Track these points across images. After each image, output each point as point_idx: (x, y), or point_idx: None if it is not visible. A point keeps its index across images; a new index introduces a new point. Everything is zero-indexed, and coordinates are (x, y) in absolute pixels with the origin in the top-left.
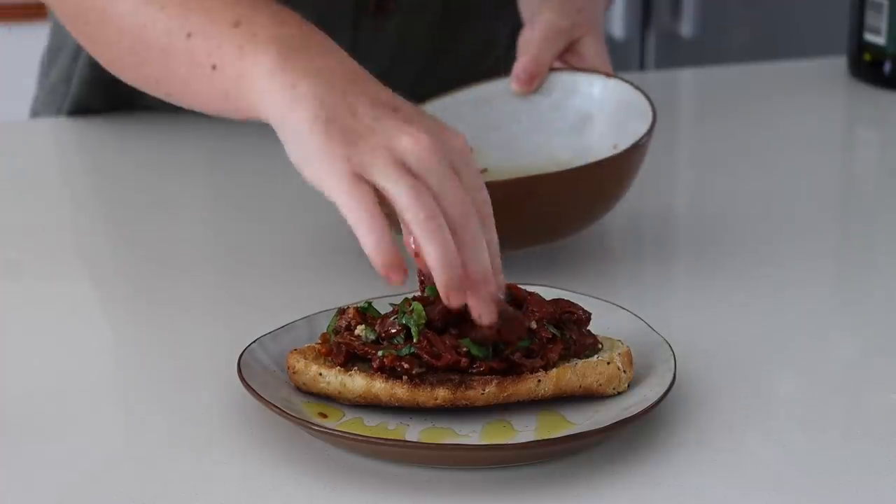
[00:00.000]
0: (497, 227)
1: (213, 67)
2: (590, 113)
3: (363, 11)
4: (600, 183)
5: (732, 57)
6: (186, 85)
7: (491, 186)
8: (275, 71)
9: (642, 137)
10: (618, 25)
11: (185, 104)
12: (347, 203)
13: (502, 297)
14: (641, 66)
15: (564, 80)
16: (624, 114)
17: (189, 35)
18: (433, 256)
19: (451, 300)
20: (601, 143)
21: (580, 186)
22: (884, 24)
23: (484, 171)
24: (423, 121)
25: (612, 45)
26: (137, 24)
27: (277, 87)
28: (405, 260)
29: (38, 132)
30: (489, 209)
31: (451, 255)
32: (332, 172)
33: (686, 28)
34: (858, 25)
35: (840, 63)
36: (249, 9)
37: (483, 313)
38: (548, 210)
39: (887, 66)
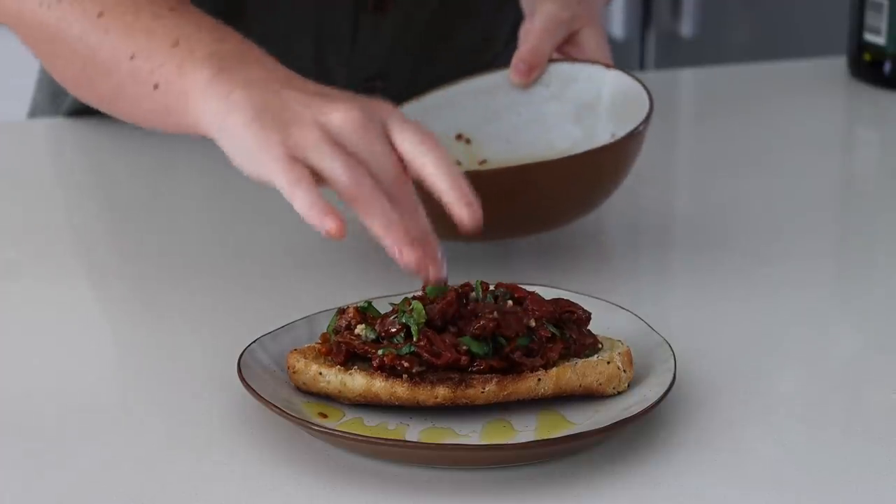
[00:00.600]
0: (494, 216)
1: (155, 87)
2: (589, 103)
3: (362, 9)
4: (597, 171)
5: (732, 57)
6: (134, 104)
7: (488, 175)
8: (211, 83)
9: (639, 125)
10: (618, 25)
11: (136, 122)
12: (284, 182)
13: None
14: (641, 66)
15: (564, 70)
16: (622, 104)
17: (132, 56)
18: (375, 226)
19: (403, 256)
20: (600, 133)
21: (577, 174)
22: (884, 24)
23: (483, 161)
24: (352, 99)
25: (612, 45)
26: (86, 46)
27: (213, 98)
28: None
29: (37, 132)
30: (435, 151)
31: (391, 218)
32: (269, 159)
33: (686, 28)
34: (858, 25)
35: (840, 63)
36: (190, 28)
37: (430, 270)
38: (545, 198)
39: (887, 66)
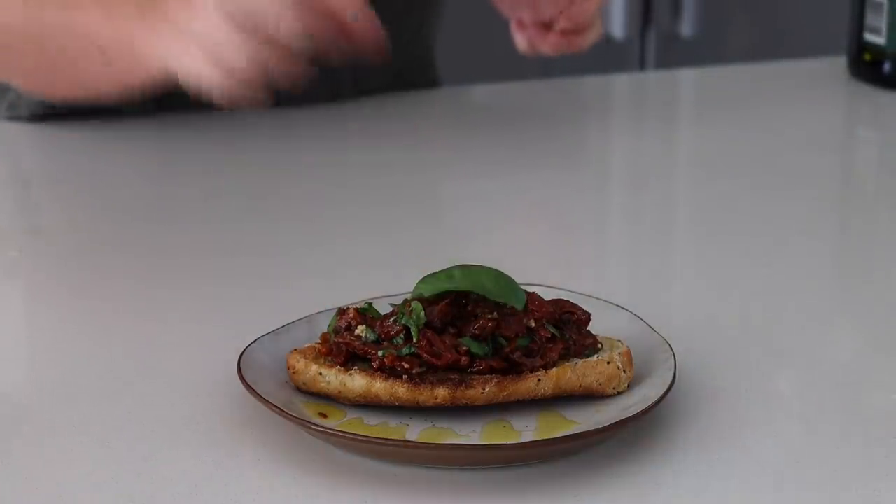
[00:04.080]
0: None
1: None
2: None
3: None
4: None
5: (732, 57)
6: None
7: None
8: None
9: None
10: (618, 25)
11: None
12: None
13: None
14: (641, 66)
15: None
16: None
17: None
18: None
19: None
20: None
21: None
22: (884, 24)
23: None
24: None
25: (613, 45)
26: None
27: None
28: None
29: (36, 133)
30: None
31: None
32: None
33: (686, 28)
34: (858, 25)
35: (840, 63)
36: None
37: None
38: None
39: (887, 66)
